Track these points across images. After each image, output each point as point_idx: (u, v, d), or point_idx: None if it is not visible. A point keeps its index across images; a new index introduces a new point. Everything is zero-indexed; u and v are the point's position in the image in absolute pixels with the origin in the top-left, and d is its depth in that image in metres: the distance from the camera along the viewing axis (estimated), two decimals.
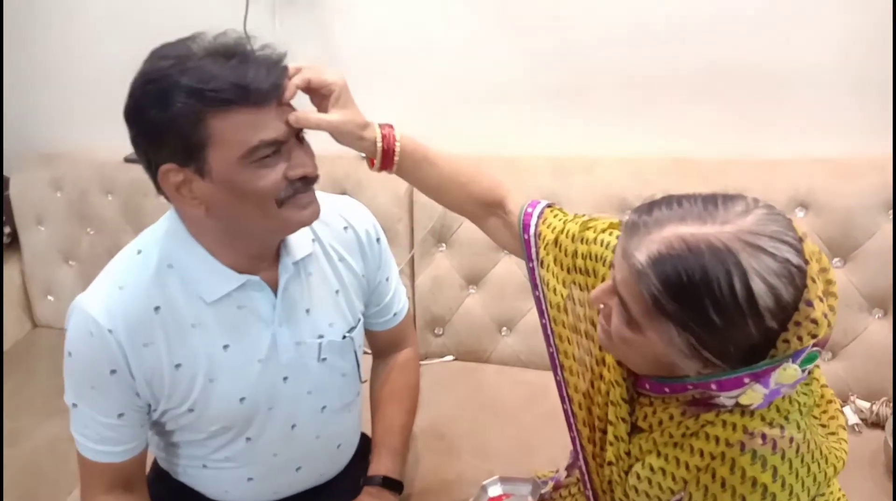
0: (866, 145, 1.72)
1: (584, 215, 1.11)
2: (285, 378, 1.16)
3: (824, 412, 0.98)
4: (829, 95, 1.75)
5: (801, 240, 0.80)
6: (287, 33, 1.95)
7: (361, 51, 1.99)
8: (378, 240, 1.28)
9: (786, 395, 0.85)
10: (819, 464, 0.87)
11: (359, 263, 1.24)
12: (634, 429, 0.97)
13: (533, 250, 1.13)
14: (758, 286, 0.75)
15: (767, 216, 0.79)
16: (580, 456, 1.09)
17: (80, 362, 1.06)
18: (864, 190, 1.66)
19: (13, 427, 1.84)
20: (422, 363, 1.92)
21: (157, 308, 1.06)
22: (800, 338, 0.80)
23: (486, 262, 1.92)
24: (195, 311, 1.08)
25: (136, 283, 1.06)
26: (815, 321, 0.79)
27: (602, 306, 0.91)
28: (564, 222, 1.11)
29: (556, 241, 1.09)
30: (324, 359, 1.20)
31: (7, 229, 2.29)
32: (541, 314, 1.13)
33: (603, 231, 1.05)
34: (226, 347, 1.10)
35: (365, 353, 1.35)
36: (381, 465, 1.30)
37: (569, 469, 1.26)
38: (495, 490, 1.36)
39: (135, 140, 0.97)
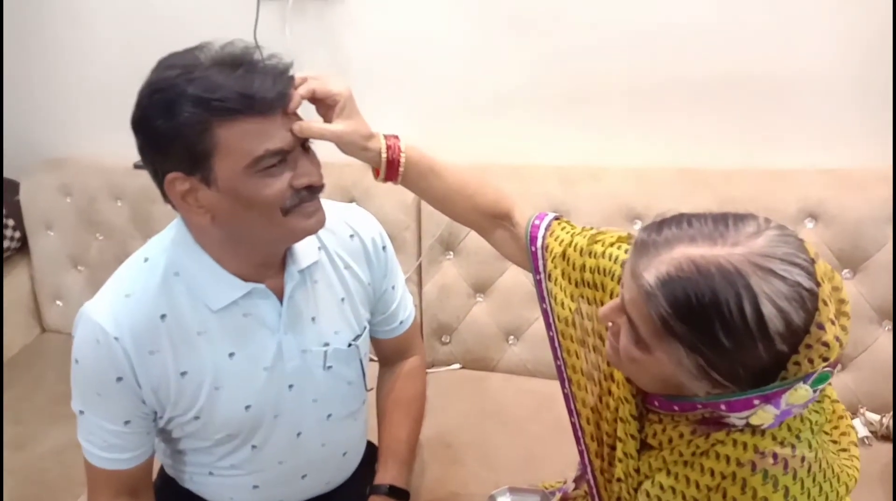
0: (874, 156, 1.72)
1: (592, 228, 1.10)
2: (291, 386, 1.16)
3: (835, 427, 0.97)
4: (835, 105, 1.74)
5: (813, 262, 0.79)
6: (297, 41, 1.96)
7: (370, 59, 1.99)
8: (384, 248, 1.27)
9: (797, 414, 0.84)
10: (831, 483, 0.85)
11: (365, 271, 1.24)
12: (644, 446, 0.97)
13: (540, 262, 1.12)
14: (768, 310, 0.74)
15: (779, 238, 0.78)
16: (588, 470, 1.09)
17: (87, 369, 1.07)
18: (873, 201, 1.65)
19: (21, 433, 1.85)
20: (429, 370, 1.92)
21: (163, 316, 1.06)
22: (811, 361, 0.79)
23: (494, 270, 1.92)
24: (201, 319, 1.08)
25: (143, 291, 1.06)
26: (826, 344, 0.78)
27: (611, 323, 0.91)
28: (572, 235, 1.10)
29: (563, 254, 1.09)
30: (329, 367, 1.19)
31: (17, 234, 2.30)
32: (548, 326, 1.12)
33: (611, 245, 1.04)
34: (231, 355, 1.10)
35: (371, 361, 1.34)
36: (387, 474, 1.30)
37: (577, 481, 1.25)
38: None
39: (142, 149, 0.97)
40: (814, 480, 0.83)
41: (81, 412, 1.10)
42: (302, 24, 1.98)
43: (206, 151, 0.93)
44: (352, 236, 1.23)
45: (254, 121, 0.92)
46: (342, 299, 1.21)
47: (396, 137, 1.08)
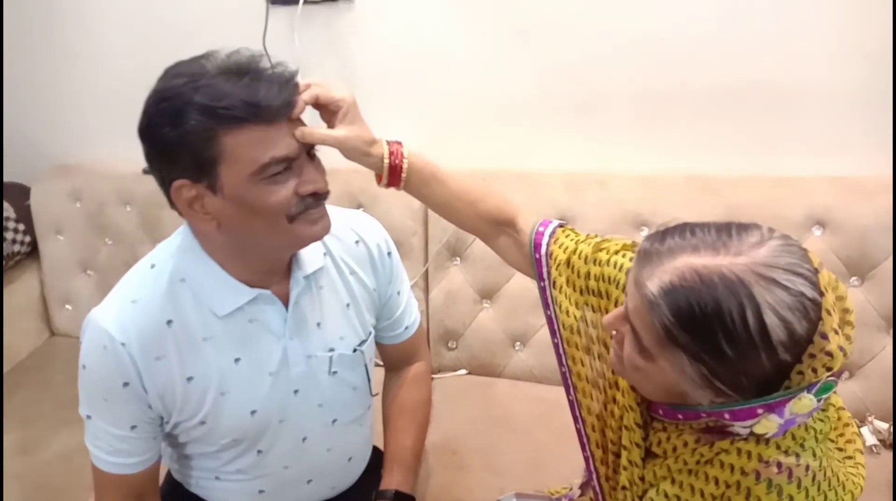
0: (881, 164, 1.71)
1: (596, 236, 1.10)
2: (296, 391, 1.17)
3: (841, 435, 0.96)
4: (842, 113, 1.74)
5: (816, 271, 0.79)
6: (305, 49, 1.97)
7: (378, 66, 2.00)
8: (389, 254, 1.28)
9: (801, 423, 0.84)
10: (836, 492, 0.85)
11: (370, 277, 1.24)
12: (648, 454, 0.96)
13: (544, 269, 1.12)
14: (771, 320, 0.74)
15: (782, 248, 0.78)
16: (594, 477, 1.08)
17: (94, 375, 1.07)
18: (881, 209, 1.64)
19: (29, 436, 1.86)
20: (435, 376, 1.92)
21: (169, 322, 1.06)
22: (814, 370, 0.78)
23: (500, 276, 1.91)
24: (207, 324, 1.08)
25: (150, 297, 1.06)
26: (830, 354, 0.78)
27: (615, 331, 0.91)
28: (577, 243, 1.10)
29: (568, 262, 1.09)
30: (334, 372, 1.20)
31: (27, 239, 2.32)
32: (552, 333, 1.12)
33: (616, 253, 1.03)
34: (237, 360, 1.11)
35: (377, 366, 1.35)
36: (392, 479, 1.30)
37: (582, 487, 1.25)
38: None
39: (149, 156, 0.98)
40: (818, 489, 0.83)
41: (88, 417, 1.11)
42: (311, 31, 1.99)
43: (212, 158, 0.93)
44: (357, 242, 1.23)
45: (259, 129, 0.93)
46: (347, 305, 1.21)
47: (399, 143, 1.09)
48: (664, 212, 1.76)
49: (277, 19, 1.98)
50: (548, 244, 1.13)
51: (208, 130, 0.91)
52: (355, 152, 1.05)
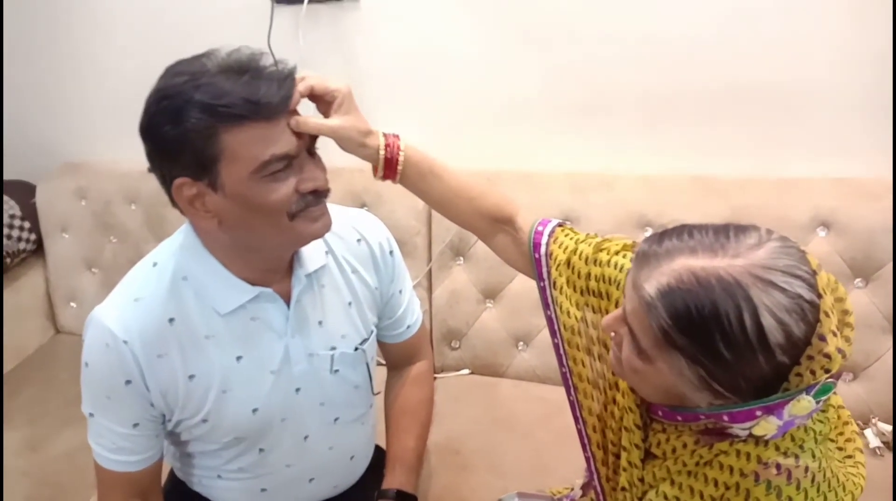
0: (886, 166, 1.70)
1: (596, 236, 1.10)
2: (298, 390, 1.17)
3: (840, 434, 0.96)
4: (847, 115, 1.73)
5: (814, 273, 0.79)
6: (310, 48, 1.97)
7: (383, 66, 2.00)
8: (391, 253, 1.28)
9: (800, 425, 0.83)
10: (836, 493, 0.85)
11: (372, 275, 1.25)
12: (648, 455, 0.96)
13: (544, 269, 1.12)
14: (768, 322, 0.74)
15: (780, 249, 0.78)
16: (595, 478, 1.08)
17: (97, 373, 1.08)
18: (885, 211, 1.63)
19: (34, 434, 1.87)
20: (437, 376, 1.92)
21: (171, 320, 1.07)
22: (813, 372, 0.78)
23: (504, 276, 1.91)
24: (209, 323, 1.09)
25: (152, 295, 1.07)
26: (828, 356, 0.78)
27: (613, 333, 0.91)
28: (577, 243, 1.09)
29: (568, 262, 1.08)
30: (336, 371, 1.20)
31: (33, 236, 2.33)
32: (552, 333, 1.12)
33: (616, 253, 1.03)
34: (239, 358, 1.11)
35: (380, 365, 1.35)
36: (394, 479, 1.30)
37: (584, 488, 1.25)
38: None
39: (150, 155, 0.98)
40: (818, 490, 0.83)
41: (91, 415, 1.11)
42: (316, 31, 1.99)
43: (212, 156, 0.93)
44: (359, 240, 1.23)
45: (259, 126, 0.93)
46: (349, 304, 1.21)
47: (396, 136, 1.08)
48: (668, 213, 1.76)
49: (282, 19, 1.98)
50: (547, 244, 1.12)
51: (209, 128, 0.92)
52: (350, 143, 1.04)
